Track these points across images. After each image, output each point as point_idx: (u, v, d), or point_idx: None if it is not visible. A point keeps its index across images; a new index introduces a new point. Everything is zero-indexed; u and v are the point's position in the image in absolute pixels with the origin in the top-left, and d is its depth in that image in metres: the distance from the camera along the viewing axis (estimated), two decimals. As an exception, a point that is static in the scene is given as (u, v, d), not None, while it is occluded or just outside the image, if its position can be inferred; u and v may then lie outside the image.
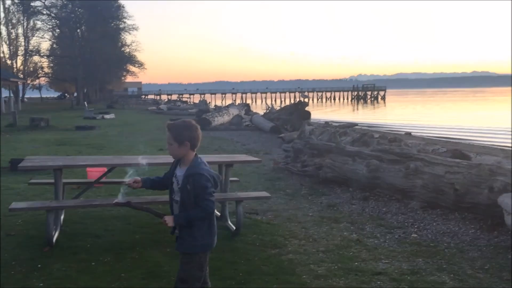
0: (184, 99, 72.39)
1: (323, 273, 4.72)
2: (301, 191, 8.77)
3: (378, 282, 4.52)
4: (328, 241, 5.77)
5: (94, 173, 8.78)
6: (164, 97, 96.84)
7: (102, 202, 5.44)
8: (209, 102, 40.95)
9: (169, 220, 3.15)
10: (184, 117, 29.17)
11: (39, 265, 4.81)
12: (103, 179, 6.62)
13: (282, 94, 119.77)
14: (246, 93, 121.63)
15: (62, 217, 6.20)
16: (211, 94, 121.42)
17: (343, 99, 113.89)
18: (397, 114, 46.48)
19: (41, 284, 4.36)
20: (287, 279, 4.54)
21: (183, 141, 3.16)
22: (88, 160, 6.99)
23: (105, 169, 8.76)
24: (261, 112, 29.08)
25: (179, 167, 3.28)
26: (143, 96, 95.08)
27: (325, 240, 5.82)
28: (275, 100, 55.61)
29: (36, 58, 68.26)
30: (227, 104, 32.40)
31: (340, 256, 5.25)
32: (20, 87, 56.89)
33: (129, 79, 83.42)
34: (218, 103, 39.02)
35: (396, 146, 9.04)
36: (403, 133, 17.94)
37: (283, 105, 29.37)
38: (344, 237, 5.97)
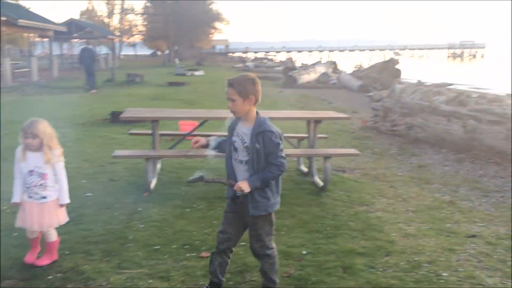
0: (270, 57, 72.26)
1: (413, 232, 4.64)
2: (390, 150, 8.56)
3: (472, 245, 4.37)
4: (418, 202, 5.63)
5: (186, 127, 9.19)
6: (251, 55, 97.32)
7: (196, 153, 5.68)
8: (295, 60, 40.61)
9: (244, 185, 2.99)
10: (271, 74, 29.23)
11: (140, 209, 5.19)
12: (195, 132, 6.89)
13: (371, 52, 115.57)
14: (333, 50, 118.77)
15: (158, 166, 6.59)
16: (298, 51, 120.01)
17: (438, 58, 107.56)
18: (498, 74, 43.14)
19: (142, 226, 4.72)
20: (375, 236, 4.52)
21: (248, 96, 2.99)
22: (182, 113, 7.28)
23: (196, 123, 9.12)
24: (349, 70, 28.35)
25: (241, 124, 3.12)
26: (230, 54, 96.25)
27: (415, 200, 5.68)
28: (364, 59, 53.94)
29: (131, 16, 71.43)
30: (313, 62, 31.88)
31: (431, 216, 5.12)
32: (117, 44, 59.96)
33: (216, 37, 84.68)
34: (305, 61, 38.50)
35: (497, 106, 8.45)
36: (504, 94, 16.66)
37: (372, 63, 28.35)
38: (436, 198, 5.79)
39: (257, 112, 3.10)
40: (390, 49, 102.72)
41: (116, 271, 3.77)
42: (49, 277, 3.65)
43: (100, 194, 5.70)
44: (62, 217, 3.89)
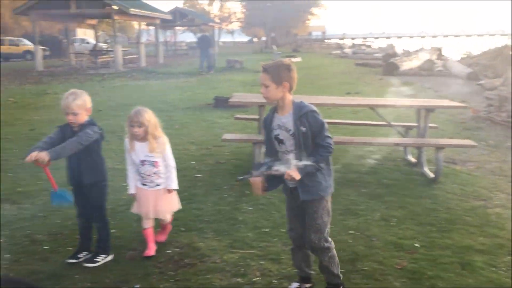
0: (368, 43, 70.18)
1: (538, 232, 4.27)
2: (506, 142, 7.93)
3: None
4: (544, 199, 5.17)
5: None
6: (348, 41, 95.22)
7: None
8: (395, 47, 39.01)
9: (294, 173, 2.84)
10: (370, 61, 28.33)
11: (247, 192, 5.31)
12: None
13: (480, 38, 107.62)
14: (436, 36, 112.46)
15: (262, 150, 6.68)
16: (398, 37, 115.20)
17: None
18: None
19: (250, 208, 4.83)
20: (495, 233, 4.23)
21: (281, 82, 2.86)
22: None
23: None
24: (455, 57, 26.67)
25: (278, 116, 2.97)
26: (327, 40, 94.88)
27: (539, 198, 5.22)
28: (471, 45, 50.22)
29: (230, 4, 73.07)
30: (415, 48, 30.40)
31: (559, 216, 4.67)
32: (216, 31, 61.69)
33: (313, 23, 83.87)
34: (406, 47, 36.85)
35: None
36: None
37: (481, 50, 26.42)
38: None
39: (292, 98, 2.96)
40: (502, 34, 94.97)
41: (229, 250, 3.90)
42: (168, 251, 3.88)
43: (209, 176, 5.92)
44: (175, 203, 4.01)
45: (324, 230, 3.04)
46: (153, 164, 3.74)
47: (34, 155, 3.21)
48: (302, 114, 2.87)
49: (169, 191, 3.87)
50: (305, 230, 3.08)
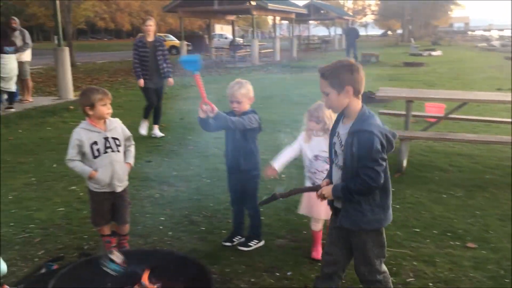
0: (519, 35, 63.45)
1: None
2: None
3: None
4: None
5: (432, 109, 8.75)
6: (494, 33, 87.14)
7: (454, 137, 5.34)
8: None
9: (327, 191, 2.54)
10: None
11: (393, 189, 5.12)
12: (451, 116, 6.48)
13: None
14: None
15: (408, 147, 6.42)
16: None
17: None
18: None
19: (398, 206, 4.67)
20: None
21: (344, 87, 2.41)
22: (439, 94, 6.89)
23: (443, 106, 8.58)
24: None
25: (341, 124, 2.57)
26: (470, 32, 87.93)
27: None
28: None
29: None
30: None
31: None
32: (349, 24, 60.68)
33: (455, 13, 78.33)
34: None
35: None
36: None
37: None
38: None
39: (363, 106, 2.48)
40: None
41: (379, 247, 3.81)
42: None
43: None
44: None
45: (375, 262, 2.62)
46: (327, 161, 3.49)
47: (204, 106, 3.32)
48: (355, 130, 2.40)
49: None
50: (344, 258, 2.71)
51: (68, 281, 2.96)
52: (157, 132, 7.93)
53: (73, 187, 5.34)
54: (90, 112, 3.42)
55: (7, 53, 9.24)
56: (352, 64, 2.46)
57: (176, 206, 4.79)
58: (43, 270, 3.32)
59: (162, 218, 4.48)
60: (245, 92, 3.61)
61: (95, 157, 3.43)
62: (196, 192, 5.17)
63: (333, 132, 2.63)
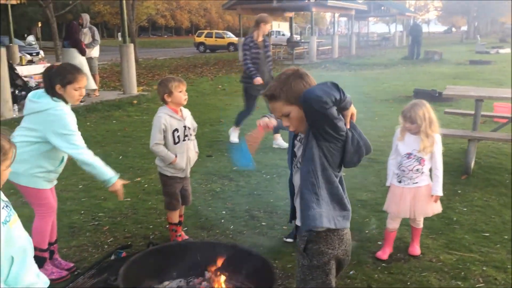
0: None
1: None
2: None
3: None
4: None
5: (501, 109, 8.35)
6: None
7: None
8: None
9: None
10: None
11: (459, 191, 4.97)
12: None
13: None
14: None
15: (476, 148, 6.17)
16: None
17: None
18: None
19: (465, 209, 4.50)
20: None
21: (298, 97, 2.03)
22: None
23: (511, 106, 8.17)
24: None
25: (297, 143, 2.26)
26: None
27: None
28: None
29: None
30: None
31: None
32: (410, 21, 58.92)
33: (526, 9, 74.12)
34: None
35: None
36: None
37: None
38: None
39: None
40: None
41: (445, 251, 3.69)
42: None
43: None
44: (438, 206, 3.60)
45: None
46: (419, 160, 3.45)
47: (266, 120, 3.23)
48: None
49: (436, 198, 3.53)
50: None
51: (137, 268, 3.08)
52: (281, 142, 6.89)
53: (138, 179, 5.52)
54: (169, 99, 3.60)
55: (66, 47, 9.70)
56: (297, 69, 2.15)
57: (236, 200, 4.85)
58: (113, 257, 3.46)
59: (223, 212, 4.55)
60: None
61: (175, 143, 3.62)
62: (256, 188, 5.21)
63: (291, 152, 2.29)
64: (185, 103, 3.66)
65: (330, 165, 2.10)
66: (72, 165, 5.92)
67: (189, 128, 3.73)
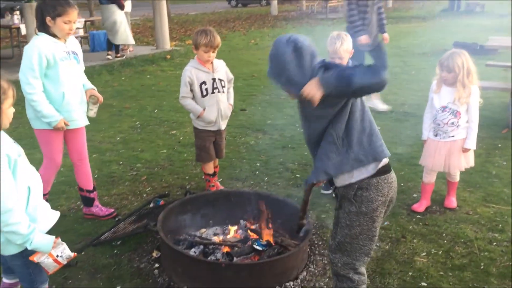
0: None
1: None
2: None
3: None
4: None
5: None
6: None
7: None
8: None
9: (308, 87, 2.00)
10: None
11: (499, 145, 4.85)
12: None
13: None
14: None
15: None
16: None
17: None
18: None
19: (504, 163, 4.40)
20: None
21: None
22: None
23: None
24: None
25: None
26: None
27: None
28: None
29: None
30: None
31: None
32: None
33: None
34: None
35: None
36: None
37: None
38: None
39: None
40: None
41: (483, 204, 3.65)
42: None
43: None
44: (471, 159, 3.54)
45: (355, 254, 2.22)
46: (455, 113, 3.37)
47: None
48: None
49: (465, 150, 3.46)
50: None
51: (174, 215, 3.18)
52: (379, 104, 6.22)
53: (173, 132, 5.61)
54: (194, 52, 3.60)
55: (103, 3, 9.65)
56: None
57: (271, 153, 4.88)
58: (152, 205, 3.57)
59: (257, 164, 4.59)
60: (347, 47, 3.48)
61: (203, 96, 3.60)
62: (290, 141, 5.22)
63: None
64: (208, 62, 3.59)
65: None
66: (109, 118, 6.11)
67: (220, 80, 3.66)
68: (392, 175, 2.19)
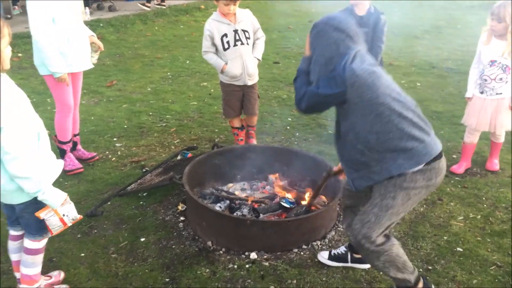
0: None
1: None
2: None
3: None
4: None
5: None
6: None
7: None
8: None
9: None
10: None
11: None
12: None
13: None
14: None
15: None
16: None
17: None
18: None
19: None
20: None
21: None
22: None
23: None
24: None
25: None
26: None
27: None
28: None
29: None
30: None
31: None
32: None
33: None
34: None
35: None
36: None
37: None
38: None
39: None
40: None
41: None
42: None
43: None
44: None
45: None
46: (504, 68, 3.14)
47: None
48: None
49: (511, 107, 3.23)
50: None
51: (201, 169, 3.10)
52: None
53: (204, 83, 5.49)
54: (215, 3, 3.44)
55: None
56: None
57: (303, 108, 4.71)
58: (179, 157, 3.51)
59: (289, 119, 4.45)
60: None
61: (225, 49, 3.44)
62: (324, 96, 5.01)
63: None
64: (228, 15, 3.42)
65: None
66: (141, 68, 6.03)
67: (244, 31, 3.44)
68: (442, 162, 2.02)
